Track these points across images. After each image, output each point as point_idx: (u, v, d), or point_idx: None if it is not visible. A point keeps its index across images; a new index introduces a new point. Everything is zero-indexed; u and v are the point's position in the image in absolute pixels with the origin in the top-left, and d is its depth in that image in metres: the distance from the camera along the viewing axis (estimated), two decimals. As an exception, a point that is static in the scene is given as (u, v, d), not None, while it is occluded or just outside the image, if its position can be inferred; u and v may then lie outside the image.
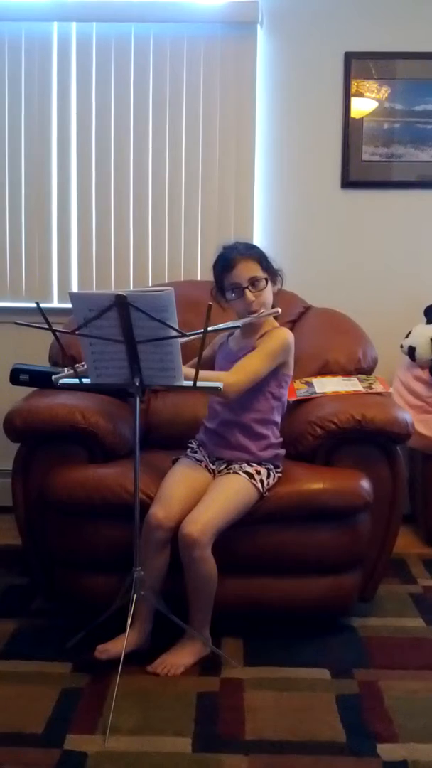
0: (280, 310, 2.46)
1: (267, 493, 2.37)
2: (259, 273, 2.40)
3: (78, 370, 2.22)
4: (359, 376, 2.87)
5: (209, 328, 2.06)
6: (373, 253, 3.64)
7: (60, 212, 3.62)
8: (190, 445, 2.57)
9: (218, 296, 2.47)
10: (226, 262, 2.42)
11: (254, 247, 2.49)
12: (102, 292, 2.18)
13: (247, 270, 2.39)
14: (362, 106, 3.56)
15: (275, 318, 2.50)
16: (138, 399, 2.23)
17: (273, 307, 2.44)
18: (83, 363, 2.21)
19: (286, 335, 2.45)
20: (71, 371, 2.24)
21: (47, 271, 3.64)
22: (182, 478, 2.40)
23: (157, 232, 3.61)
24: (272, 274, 2.45)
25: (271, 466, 2.43)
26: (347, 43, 3.52)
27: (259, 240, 3.52)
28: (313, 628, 2.51)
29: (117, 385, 2.20)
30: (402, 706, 2.11)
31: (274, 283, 2.46)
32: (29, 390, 2.64)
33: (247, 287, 2.38)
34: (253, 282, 2.39)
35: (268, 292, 2.43)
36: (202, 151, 3.56)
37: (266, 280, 2.41)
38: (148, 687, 2.18)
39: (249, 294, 2.39)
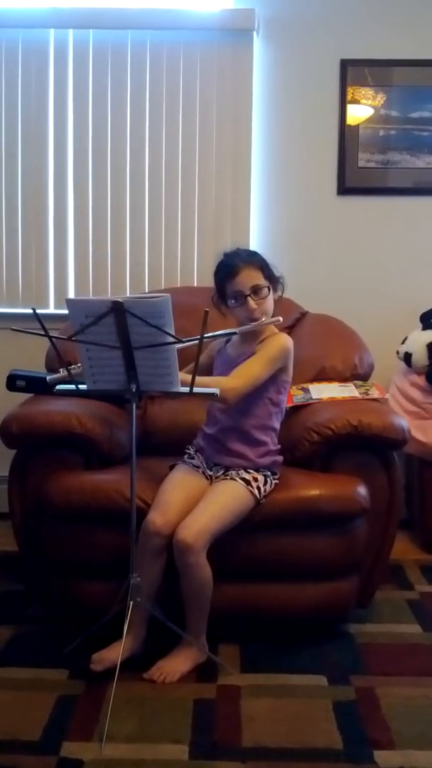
0: (281, 318, 2.46)
1: (263, 500, 2.37)
2: (262, 281, 2.39)
3: (72, 371, 2.22)
4: (356, 382, 2.87)
5: (206, 335, 2.07)
6: (369, 259, 3.65)
7: (57, 218, 3.62)
8: (187, 450, 2.56)
9: (219, 303, 2.47)
10: (228, 269, 2.41)
11: (256, 254, 2.48)
12: (98, 298, 2.18)
13: (250, 278, 2.38)
14: (358, 113, 3.57)
15: (276, 326, 2.50)
16: (134, 405, 2.23)
17: (273, 315, 2.44)
18: (78, 365, 2.21)
19: (286, 341, 2.44)
20: (65, 373, 2.24)
21: (44, 277, 3.64)
22: (180, 485, 2.39)
23: (154, 239, 3.61)
24: (273, 281, 2.44)
25: (269, 473, 2.43)
26: (343, 50, 3.54)
27: (255, 246, 3.51)
28: (309, 634, 2.51)
29: (113, 391, 2.20)
30: (399, 712, 2.10)
31: (275, 290, 2.45)
32: (26, 396, 2.64)
33: (249, 295, 2.37)
34: (256, 290, 2.38)
35: (270, 300, 2.42)
36: (199, 158, 3.56)
37: (268, 287, 2.41)
38: (144, 694, 2.18)
39: (251, 302, 2.37)
